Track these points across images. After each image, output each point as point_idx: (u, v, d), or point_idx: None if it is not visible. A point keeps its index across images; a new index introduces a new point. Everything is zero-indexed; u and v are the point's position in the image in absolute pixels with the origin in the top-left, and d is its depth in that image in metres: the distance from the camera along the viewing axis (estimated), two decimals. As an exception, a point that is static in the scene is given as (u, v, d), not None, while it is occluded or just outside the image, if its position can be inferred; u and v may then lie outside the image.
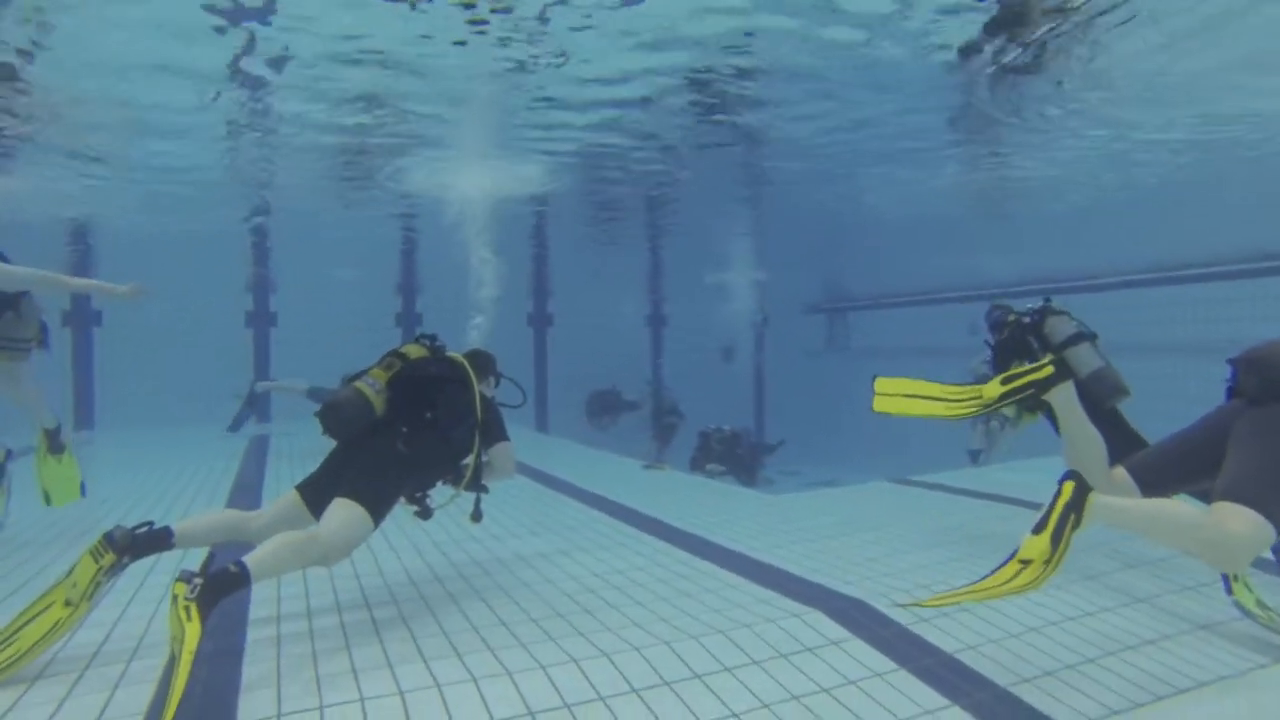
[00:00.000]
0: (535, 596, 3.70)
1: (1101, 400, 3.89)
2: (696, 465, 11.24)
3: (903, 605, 3.41)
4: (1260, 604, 3.39)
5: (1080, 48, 6.02)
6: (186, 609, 2.40)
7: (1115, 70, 6.42)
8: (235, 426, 10.84)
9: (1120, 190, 10.89)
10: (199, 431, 11.35)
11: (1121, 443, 3.77)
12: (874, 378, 3.59)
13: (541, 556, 4.45)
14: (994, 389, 3.36)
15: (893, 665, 2.97)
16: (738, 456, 11.39)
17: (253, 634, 3.18)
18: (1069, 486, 2.64)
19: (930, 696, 2.76)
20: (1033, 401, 3.58)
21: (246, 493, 6.52)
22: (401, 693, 2.64)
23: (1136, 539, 4.06)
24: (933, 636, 3.22)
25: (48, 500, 5.00)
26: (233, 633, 3.17)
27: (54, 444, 5.00)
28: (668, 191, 10.97)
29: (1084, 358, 3.95)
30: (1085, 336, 4.05)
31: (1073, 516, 2.59)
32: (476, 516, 3.77)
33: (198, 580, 2.47)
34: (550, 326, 16.90)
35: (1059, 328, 4.12)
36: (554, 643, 3.09)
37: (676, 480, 7.40)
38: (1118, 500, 2.82)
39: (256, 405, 11.35)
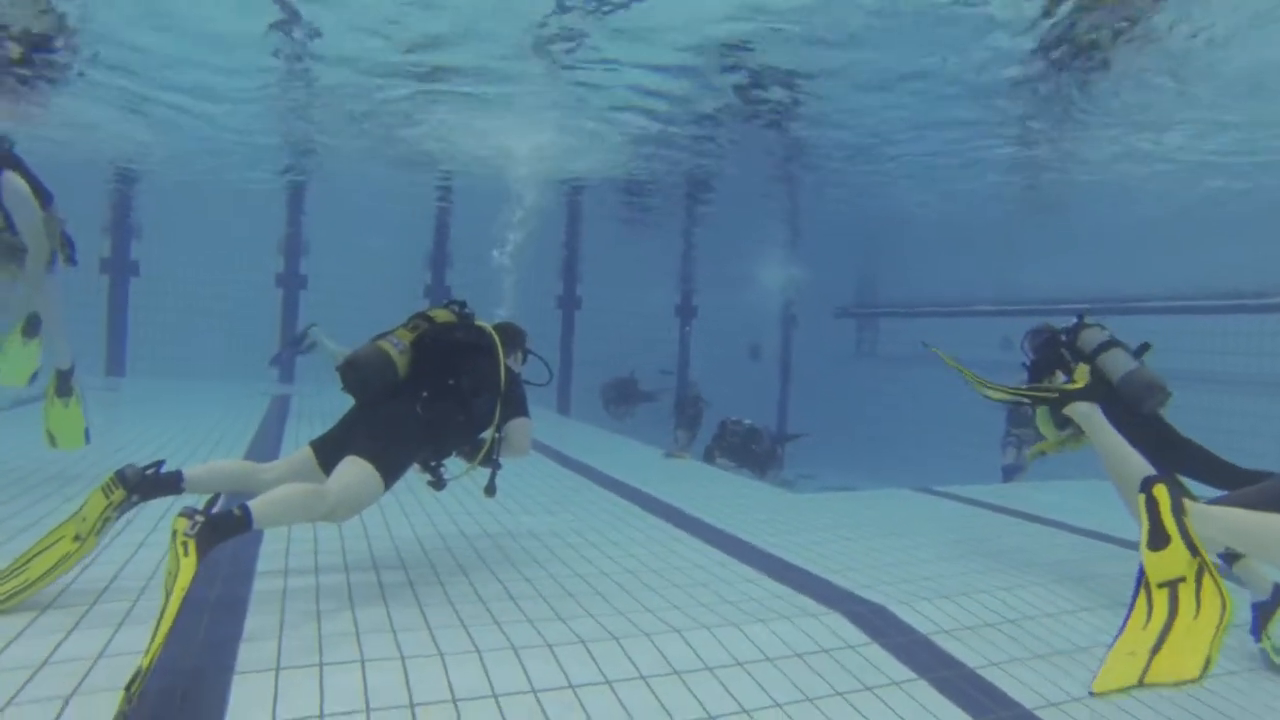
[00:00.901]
0: (546, 574, 3.62)
1: (1139, 403, 3.74)
2: (709, 456, 11.11)
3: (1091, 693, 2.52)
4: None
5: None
6: (185, 545, 2.34)
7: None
8: (276, 361, 10.93)
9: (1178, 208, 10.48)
10: (225, 386, 11.48)
11: (1172, 455, 3.65)
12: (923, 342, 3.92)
13: (555, 535, 4.37)
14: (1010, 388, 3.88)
15: (912, 674, 2.85)
16: (752, 452, 11.21)
17: (259, 585, 3.14)
18: (1157, 488, 2.36)
19: (950, 711, 2.63)
20: (1057, 414, 3.85)
21: (264, 448, 6.52)
22: (403, 658, 2.56)
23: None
24: (954, 649, 3.09)
25: (52, 442, 4.96)
26: (239, 582, 3.14)
27: (63, 386, 4.95)
28: (708, 176, 10.80)
29: (1116, 362, 3.85)
30: (1118, 344, 3.95)
31: (1185, 519, 2.29)
32: (490, 491, 3.66)
33: (199, 518, 2.41)
34: (579, 310, 16.84)
35: (1092, 337, 4.07)
36: (562, 622, 3.00)
37: (696, 470, 7.29)
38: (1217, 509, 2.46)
39: (301, 346, 11.33)
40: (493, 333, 3.63)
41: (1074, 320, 4.25)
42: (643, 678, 2.62)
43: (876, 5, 5.57)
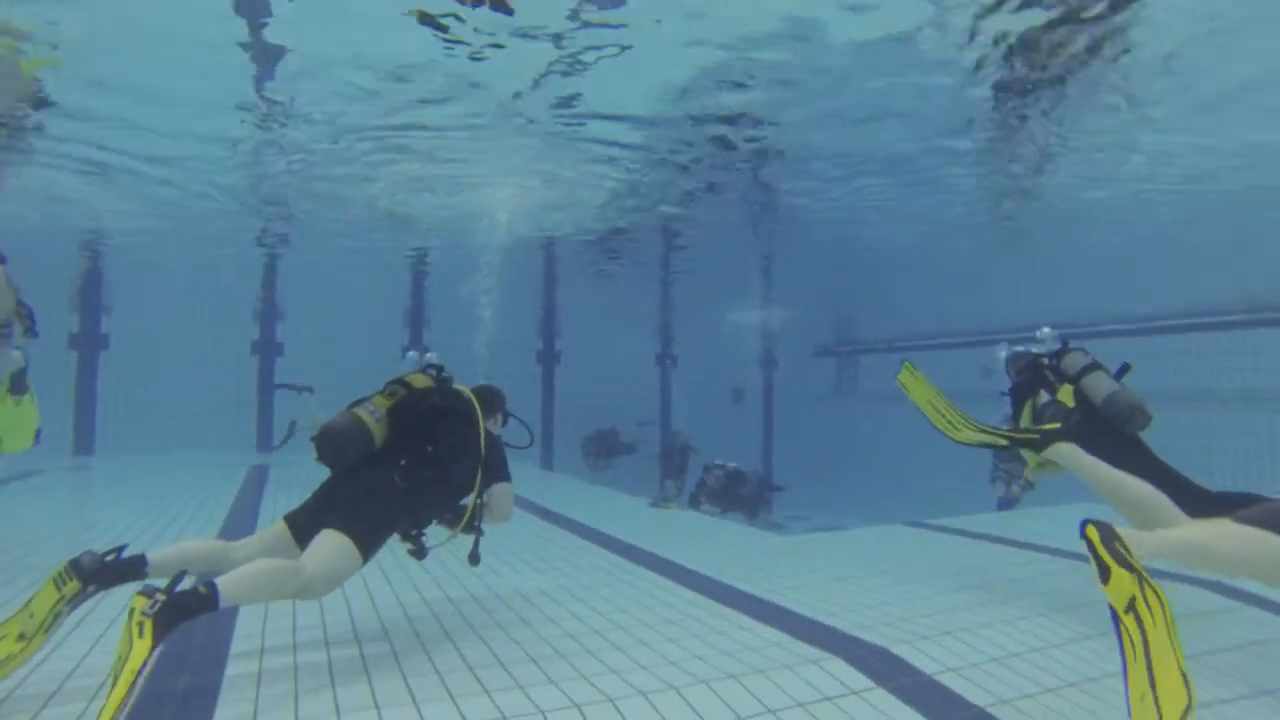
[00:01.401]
0: (536, 636, 3.48)
1: (1121, 424, 3.80)
2: (694, 502, 10.97)
3: None
4: None
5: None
6: (140, 625, 2.20)
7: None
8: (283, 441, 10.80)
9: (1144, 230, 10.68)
10: (200, 457, 11.21)
11: (1153, 477, 3.61)
12: (904, 362, 3.73)
13: (543, 594, 4.23)
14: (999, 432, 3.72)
15: (920, 718, 2.74)
16: (737, 495, 11.10)
17: (231, 669, 2.98)
18: (1089, 529, 2.50)
19: (963, 755, 2.53)
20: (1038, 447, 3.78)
21: (241, 522, 6.31)
22: (387, 737, 2.43)
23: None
24: (961, 688, 2.99)
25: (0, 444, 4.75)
26: (210, 668, 2.97)
27: (16, 384, 4.75)
28: (682, 224, 10.92)
29: (1099, 384, 3.93)
30: (1100, 367, 4.04)
31: (1116, 544, 2.44)
32: (474, 559, 3.52)
33: (160, 596, 2.28)
34: (558, 364, 16.79)
35: (1075, 361, 4.16)
36: (555, 686, 2.87)
37: (683, 519, 7.17)
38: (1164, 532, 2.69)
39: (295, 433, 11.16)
40: (471, 397, 3.54)
41: (1057, 346, 4.35)
42: (641, 741, 2.49)
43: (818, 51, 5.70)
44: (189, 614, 2.35)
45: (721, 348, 17.92)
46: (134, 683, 2.14)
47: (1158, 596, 2.32)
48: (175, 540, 4.90)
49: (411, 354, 11.67)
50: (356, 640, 3.36)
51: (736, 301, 16.72)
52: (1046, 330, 6.29)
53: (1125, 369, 4.06)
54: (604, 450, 14.63)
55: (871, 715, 2.74)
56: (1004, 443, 4.06)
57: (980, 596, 4.15)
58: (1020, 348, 4.60)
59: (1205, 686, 3.07)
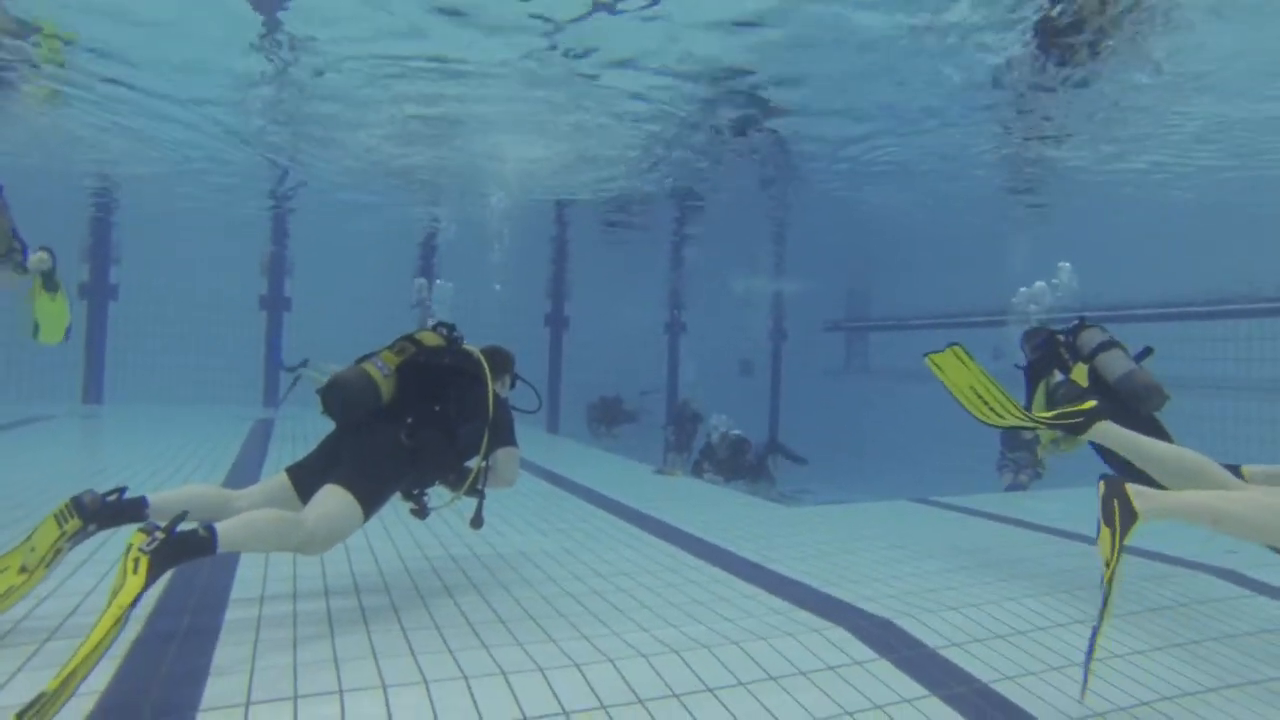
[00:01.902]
0: (536, 595, 3.46)
1: (1137, 404, 3.69)
2: (697, 469, 10.95)
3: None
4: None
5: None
6: (136, 561, 2.17)
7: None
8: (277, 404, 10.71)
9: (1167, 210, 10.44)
10: (207, 411, 11.26)
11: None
12: (952, 346, 3.48)
13: (545, 554, 4.21)
14: (1024, 416, 3.34)
15: (923, 691, 2.71)
16: (741, 463, 11.06)
17: (231, 614, 2.97)
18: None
19: (965, 728, 2.49)
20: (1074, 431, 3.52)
21: (245, 472, 6.33)
22: (384, 686, 2.40)
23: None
24: (966, 662, 2.96)
25: (36, 332, 4.88)
26: (211, 611, 2.96)
27: (49, 283, 4.81)
28: (700, 189, 10.74)
29: (1114, 363, 3.82)
30: (1117, 344, 3.93)
31: (1115, 502, 2.60)
32: (477, 522, 3.47)
33: (159, 535, 2.24)
34: (566, 329, 16.72)
35: (1091, 338, 4.04)
36: (554, 644, 2.85)
37: (689, 486, 7.14)
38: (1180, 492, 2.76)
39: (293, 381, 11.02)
40: (481, 358, 3.46)
41: (1074, 322, 4.22)
42: (640, 701, 2.47)
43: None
44: (186, 555, 2.32)
45: (731, 318, 17.80)
46: (122, 618, 2.10)
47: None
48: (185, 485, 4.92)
49: (420, 280, 11.59)
50: (356, 591, 3.35)
51: (748, 272, 16.57)
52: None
53: (1147, 351, 3.94)
54: (607, 418, 14.60)
55: (873, 686, 2.71)
56: (1044, 427, 3.76)
57: (986, 574, 4.11)
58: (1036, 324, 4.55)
59: (1214, 672, 3.03)
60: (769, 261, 16.08)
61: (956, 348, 3.48)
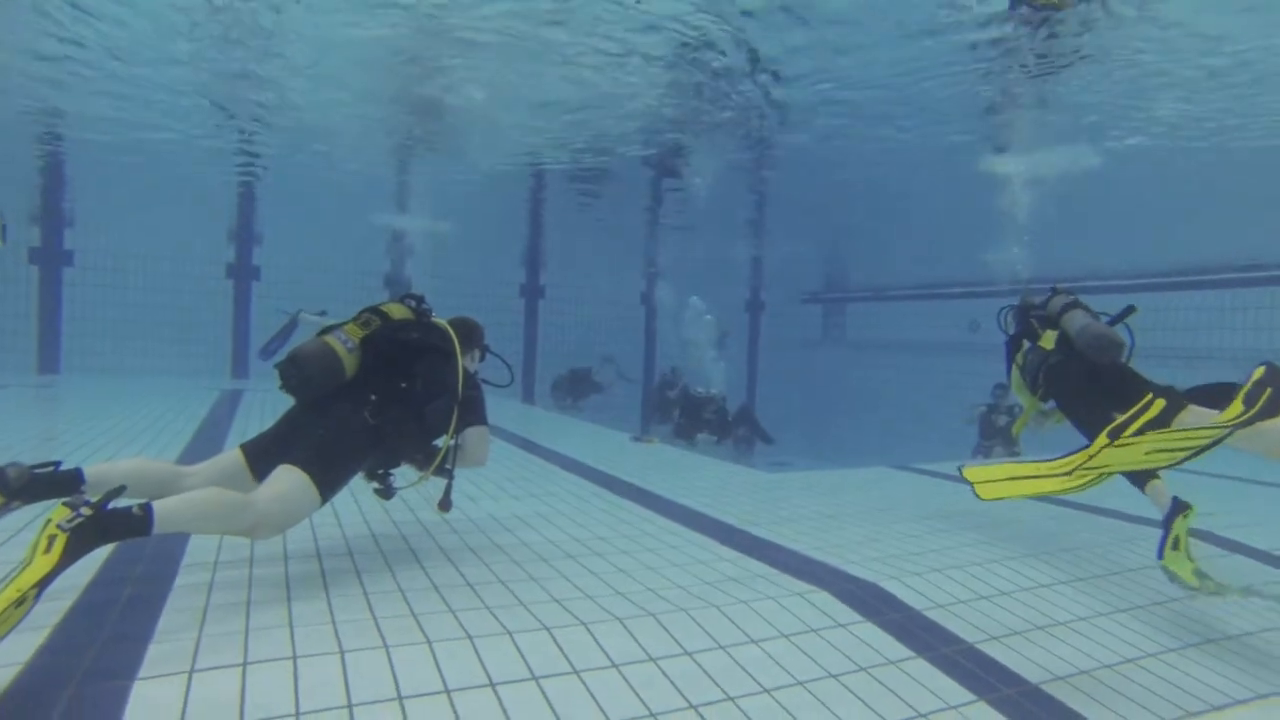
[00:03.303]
0: (507, 559, 3.32)
1: (1093, 355, 3.68)
2: (683, 433, 10.81)
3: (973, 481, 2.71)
4: (1198, 574, 3.11)
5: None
6: (51, 539, 1.95)
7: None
8: (267, 354, 10.15)
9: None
10: (171, 382, 10.92)
11: (1128, 393, 3.45)
12: (960, 468, 3.07)
13: (518, 519, 4.07)
14: (1099, 443, 2.87)
15: (909, 653, 2.62)
16: (724, 419, 10.96)
17: (183, 578, 2.79)
18: (1160, 402, 2.48)
19: (952, 689, 2.41)
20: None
21: (208, 445, 6.07)
22: (342, 652, 2.25)
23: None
24: (949, 623, 2.87)
25: None
26: (160, 573, 2.78)
27: None
28: (681, 152, 10.43)
29: (1075, 320, 3.84)
30: (1079, 305, 3.96)
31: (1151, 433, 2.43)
32: (445, 505, 3.27)
33: (84, 511, 2.02)
34: (542, 298, 16.48)
35: (1057, 303, 4.06)
36: (524, 608, 2.71)
37: (667, 454, 7.02)
38: None
39: (289, 336, 10.46)
40: (451, 332, 3.25)
41: (1047, 292, 4.24)
42: (615, 666, 2.35)
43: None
44: (114, 535, 2.09)
45: (708, 290, 17.64)
46: (24, 599, 1.89)
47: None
48: (130, 457, 4.63)
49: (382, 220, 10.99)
50: (318, 555, 3.19)
51: (725, 244, 16.36)
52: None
53: (1127, 310, 3.90)
54: (574, 390, 14.30)
55: (858, 647, 2.62)
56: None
57: (970, 537, 4.04)
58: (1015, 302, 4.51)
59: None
60: (747, 233, 15.88)
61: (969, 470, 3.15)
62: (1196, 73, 7.04)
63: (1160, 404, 2.59)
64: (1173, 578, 3.15)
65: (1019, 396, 4.42)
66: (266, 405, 8.38)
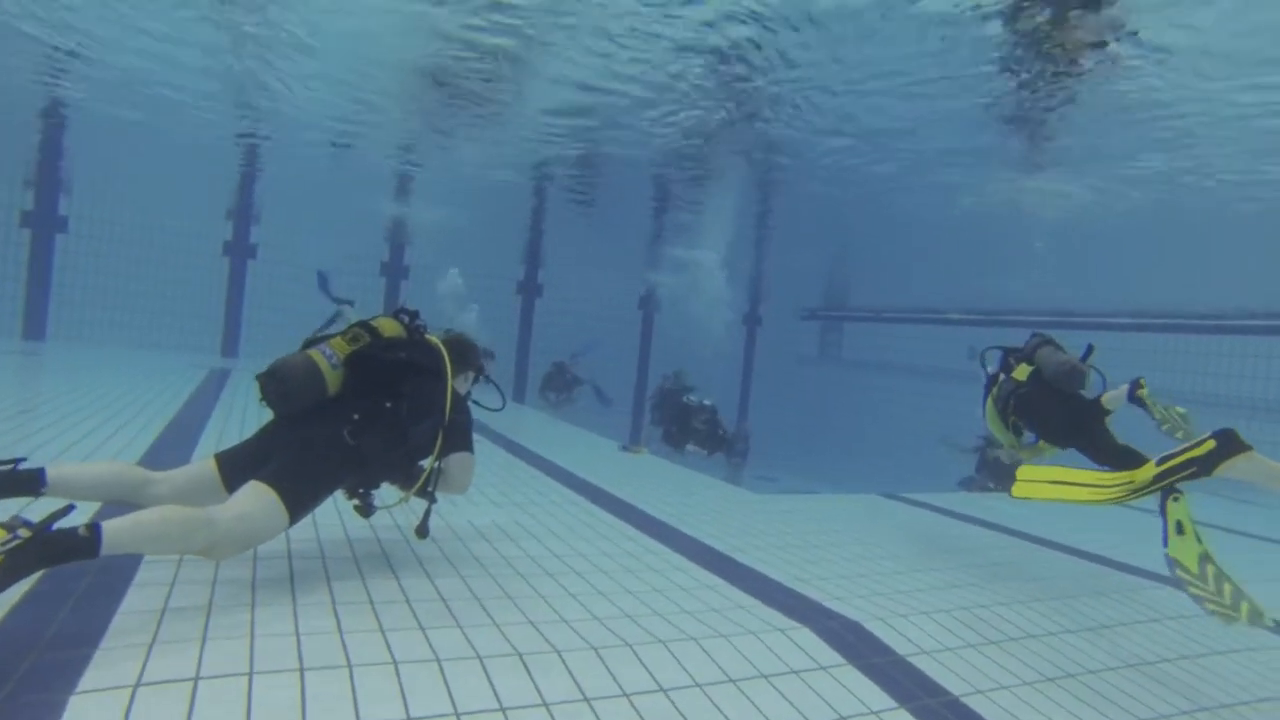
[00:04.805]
0: (484, 573, 3.22)
1: (1059, 383, 4.19)
2: (672, 440, 10.70)
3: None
4: (1204, 557, 3.08)
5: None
6: None
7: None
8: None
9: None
10: (160, 356, 10.78)
11: (1082, 436, 4.11)
12: (1018, 465, 3.23)
13: (498, 529, 3.96)
14: (1148, 471, 3.05)
15: (892, 703, 2.52)
16: (715, 431, 10.84)
17: (142, 574, 2.68)
18: (1210, 443, 2.71)
19: (935, 746, 2.32)
20: (1199, 475, 3.08)
21: (185, 428, 5.94)
22: (302, 669, 2.15)
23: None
24: (935, 672, 2.78)
25: None
26: (121, 570, 2.67)
27: None
28: (693, 157, 10.31)
29: (1045, 355, 4.32)
30: (1050, 342, 4.44)
31: (1195, 469, 2.70)
32: (422, 532, 3.15)
33: (22, 532, 1.88)
34: (540, 297, 16.38)
35: (1033, 342, 4.50)
36: (498, 629, 2.61)
37: (655, 466, 6.92)
38: None
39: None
40: (443, 351, 3.13)
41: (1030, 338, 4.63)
42: (586, 700, 2.25)
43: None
44: (56, 559, 1.95)
45: (706, 299, 17.55)
46: None
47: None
48: (110, 443, 4.50)
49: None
50: (287, 555, 3.08)
51: (727, 254, 16.28)
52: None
53: (1089, 350, 4.31)
54: (558, 385, 14.12)
55: (839, 694, 2.52)
56: (1163, 485, 3.26)
57: (960, 577, 3.96)
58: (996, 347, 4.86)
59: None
60: (750, 245, 15.80)
61: (1018, 486, 3.28)
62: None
63: (1210, 444, 2.80)
64: (1174, 565, 3.08)
65: (991, 428, 4.76)
66: (252, 389, 8.24)
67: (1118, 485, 3.08)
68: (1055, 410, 4.24)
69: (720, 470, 10.05)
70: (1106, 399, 4.15)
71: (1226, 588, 3.02)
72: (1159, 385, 4.19)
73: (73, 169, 12.07)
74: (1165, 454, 2.91)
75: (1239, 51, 5.79)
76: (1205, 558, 3.05)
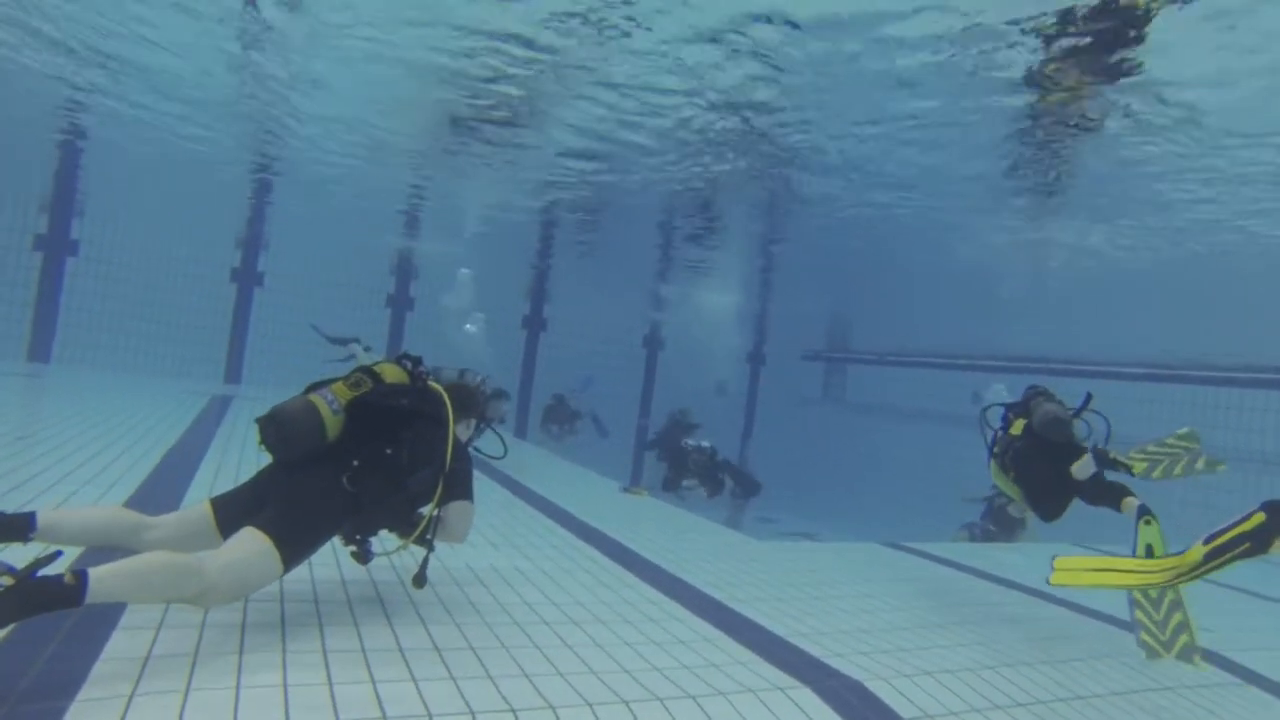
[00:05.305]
0: (479, 621, 3.16)
1: (1044, 432, 4.25)
2: (670, 485, 10.63)
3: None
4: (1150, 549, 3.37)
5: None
6: None
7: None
8: (318, 330, 9.98)
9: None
10: (163, 383, 10.77)
11: (1064, 485, 4.14)
12: (1053, 557, 3.24)
13: (496, 573, 3.90)
14: (1196, 553, 2.96)
15: (895, 772, 2.44)
16: (714, 474, 10.76)
17: (127, 617, 2.62)
18: (1260, 516, 2.59)
19: (940, 821, 2.23)
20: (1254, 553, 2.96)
21: (183, 457, 5.91)
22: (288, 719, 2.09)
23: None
24: (940, 739, 2.70)
25: None
26: (99, 611, 2.61)
27: None
28: (703, 201, 10.38)
29: (1036, 408, 4.38)
30: (1042, 393, 4.54)
31: (1248, 544, 2.56)
32: (420, 581, 3.09)
33: (5, 580, 1.84)
34: (544, 331, 16.40)
35: (1029, 396, 4.58)
36: (491, 681, 2.54)
37: (655, 509, 6.85)
38: None
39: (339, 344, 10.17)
40: (445, 398, 3.11)
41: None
42: (581, 762, 2.17)
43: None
44: (39, 608, 1.90)
45: (709, 338, 17.56)
46: None
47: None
48: (100, 475, 4.44)
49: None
50: (280, 597, 3.02)
51: (731, 290, 16.32)
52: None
53: (1088, 398, 4.40)
54: (559, 418, 14.05)
55: (842, 761, 2.44)
56: (1223, 566, 3.10)
57: (965, 635, 3.87)
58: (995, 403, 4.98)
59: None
60: (754, 284, 15.84)
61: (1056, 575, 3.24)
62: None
63: (1260, 518, 2.71)
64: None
65: (998, 483, 4.78)
66: (251, 419, 8.21)
67: (1165, 570, 2.97)
68: (1042, 465, 4.27)
69: (720, 513, 9.95)
70: (1075, 469, 4.08)
71: (1175, 618, 3.00)
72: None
73: (87, 193, 12.20)
74: (1213, 532, 2.81)
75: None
76: (1169, 585, 3.05)
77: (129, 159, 10.17)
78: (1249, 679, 3.78)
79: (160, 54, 6.80)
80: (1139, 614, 3.13)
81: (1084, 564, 3.02)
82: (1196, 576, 2.98)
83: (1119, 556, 3.11)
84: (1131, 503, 3.88)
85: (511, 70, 6.50)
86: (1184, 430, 4.27)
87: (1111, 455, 4.01)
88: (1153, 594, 3.12)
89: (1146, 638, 3.04)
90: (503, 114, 7.62)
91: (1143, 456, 4.09)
